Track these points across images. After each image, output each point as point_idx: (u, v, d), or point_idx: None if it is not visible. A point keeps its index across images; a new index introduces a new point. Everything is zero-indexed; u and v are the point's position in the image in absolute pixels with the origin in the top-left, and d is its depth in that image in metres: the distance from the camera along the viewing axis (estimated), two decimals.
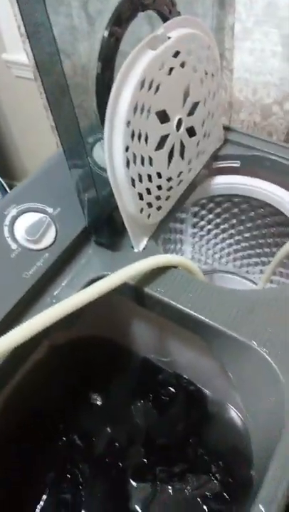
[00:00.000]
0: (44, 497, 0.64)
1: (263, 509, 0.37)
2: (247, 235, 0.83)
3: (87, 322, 0.75)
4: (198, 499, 0.64)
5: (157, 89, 0.47)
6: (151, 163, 0.51)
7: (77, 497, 0.63)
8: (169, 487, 0.65)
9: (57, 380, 0.74)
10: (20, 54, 1.20)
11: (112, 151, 0.46)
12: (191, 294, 0.51)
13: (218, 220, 0.82)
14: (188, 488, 0.64)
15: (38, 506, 0.64)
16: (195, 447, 0.67)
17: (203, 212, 0.80)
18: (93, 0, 0.45)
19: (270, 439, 0.44)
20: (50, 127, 1.25)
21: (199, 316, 0.50)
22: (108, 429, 0.71)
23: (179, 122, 0.54)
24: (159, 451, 0.67)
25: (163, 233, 0.71)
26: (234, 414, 0.70)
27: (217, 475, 0.64)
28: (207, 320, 0.49)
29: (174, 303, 0.51)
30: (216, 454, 0.67)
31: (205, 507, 0.64)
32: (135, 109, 0.45)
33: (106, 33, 0.44)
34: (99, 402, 0.75)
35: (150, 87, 0.46)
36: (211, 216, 0.81)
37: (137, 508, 0.64)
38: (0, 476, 0.63)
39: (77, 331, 0.79)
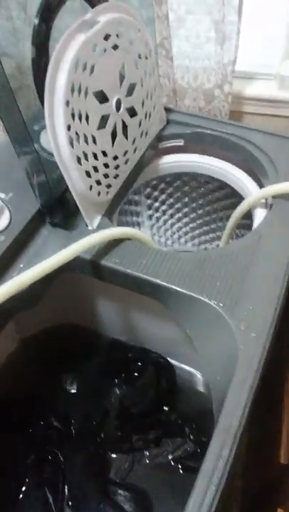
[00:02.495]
0: (27, 479, 0.66)
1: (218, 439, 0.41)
2: (200, 211, 0.87)
3: (54, 312, 0.77)
4: (175, 462, 0.67)
5: (92, 70, 0.50)
6: (95, 142, 0.54)
7: (59, 475, 0.65)
8: (147, 453, 0.68)
9: (31, 369, 0.76)
10: None
11: (55, 131, 0.48)
12: (144, 261, 0.55)
13: (171, 200, 0.86)
14: (165, 452, 0.67)
15: (22, 488, 0.65)
16: (168, 414, 0.70)
17: (156, 193, 0.83)
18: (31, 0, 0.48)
19: (226, 388, 0.48)
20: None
21: (154, 280, 0.53)
22: (84, 409, 0.73)
23: (118, 103, 0.57)
24: (134, 421, 0.70)
25: (119, 215, 0.74)
26: (199, 377, 0.74)
27: (191, 436, 0.68)
28: (161, 282, 0.53)
29: (129, 271, 0.54)
30: (187, 417, 0.70)
31: (182, 468, 0.67)
32: (72, 89, 0.48)
33: (36, 20, 0.46)
34: (73, 386, 0.77)
35: (85, 68, 0.49)
36: (163, 197, 0.85)
37: (117, 477, 0.67)
38: None
39: (46, 321, 0.81)
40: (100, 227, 0.59)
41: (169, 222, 0.91)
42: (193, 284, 0.52)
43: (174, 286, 0.52)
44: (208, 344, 0.52)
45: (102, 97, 0.54)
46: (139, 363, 0.75)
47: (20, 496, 0.64)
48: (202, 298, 0.51)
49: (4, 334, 0.59)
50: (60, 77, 0.46)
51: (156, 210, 0.87)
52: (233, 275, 0.53)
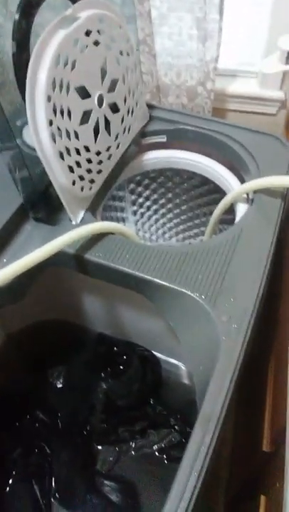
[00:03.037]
0: (14, 472, 0.67)
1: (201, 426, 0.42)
2: (184, 207, 0.88)
3: (40, 307, 0.78)
4: (161, 452, 0.68)
5: (74, 65, 0.51)
6: (77, 137, 0.54)
7: (46, 468, 0.66)
8: (132, 445, 0.68)
9: (17, 364, 0.76)
10: None
11: (37, 126, 0.49)
12: (128, 254, 0.56)
13: (155, 196, 0.87)
14: (151, 442, 0.68)
15: (9, 481, 0.66)
16: (153, 405, 0.72)
17: (140, 188, 0.84)
18: None
19: (208, 377, 0.49)
20: None
21: (138, 274, 0.54)
22: (70, 403, 0.74)
23: (101, 98, 0.58)
24: (120, 413, 0.71)
25: (103, 211, 0.75)
26: (184, 369, 0.75)
27: (176, 426, 0.69)
28: (145, 276, 0.54)
29: (113, 265, 0.55)
30: (172, 408, 0.71)
31: (167, 458, 0.68)
32: (54, 84, 0.48)
33: (17, 16, 0.47)
34: (59, 380, 0.77)
35: (66, 64, 0.49)
36: (147, 192, 0.85)
37: (103, 469, 0.67)
38: None
39: (32, 316, 0.81)
40: (83, 222, 0.60)
41: (154, 217, 0.91)
42: (176, 278, 0.53)
43: (157, 280, 0.53)
44: (190, 336, 0.53)
45: (84, 93, 0.55)
46: (125, 357, 0.76)
47: (7, 488, 0.65)
48: (185, 291, 0.52)
49: None
50: (41, 73, 0.47)
51: (141, 205, 0.88)
52: (215, 268, 0.54)
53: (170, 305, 0.55)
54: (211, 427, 0.42)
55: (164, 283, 0.53)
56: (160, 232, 0.95)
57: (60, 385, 0.75)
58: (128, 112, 0.66)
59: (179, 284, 0.53)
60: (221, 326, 0.49)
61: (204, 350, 0.51)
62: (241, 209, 0.67)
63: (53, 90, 0.48)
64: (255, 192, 0.65)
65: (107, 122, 0.61)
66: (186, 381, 0.75)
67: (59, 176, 0.54)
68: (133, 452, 0.68)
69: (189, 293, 0.52)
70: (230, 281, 0.53)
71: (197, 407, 0.60)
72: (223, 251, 0.56)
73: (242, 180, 0.71)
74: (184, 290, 0.52)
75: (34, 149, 0.55)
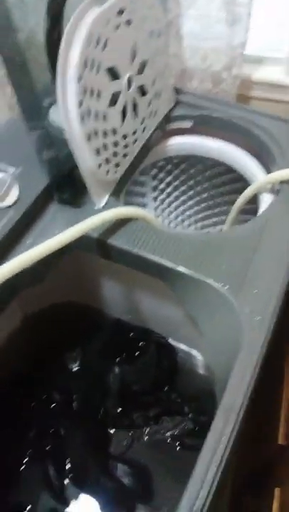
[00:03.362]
0: (28, 452, 0.67)
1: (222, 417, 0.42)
2: (205, 195, 0.87)
3: (58, 289, 0.78)
4: (174, 439, 0.68)
5: (105, 45, 0.49)
6: (105, 119, 0.53)
7: (60, 449, 0.67)
8: (146, 430, 0.69)
9: (33, 346, 0.77)
10: None
11: (67, 106, 0.48)
12: (151, 241, 0.55)
13: (176, 182, 0.85)
14: (164, 429, 0.69)
15: (24, 461, 0.67)
16: (168, 392, 0.72)
17: (162, 174, 0.83)
18: None
19: (230, 367, 0.49)
20: (7, 105, 1.24)
21: (160, 261, 0.53)
22: (85, 386, 0.74)
23: (130, 80, 0.56)
24: (135, 398, 0.71)
25: (125, 196, 0.74)
26: (201, 359, 0.75)
27: (190, 415, 0.69)
28: (167, 263, 0.53)
29: (136, 251, 0.54)
30: (187, 397, 0.71)
31: (180, 445, 0.68)
32: (85, 64, 0.47)
33: None
34: (75, 363, 0.78)
35: (98, 43, 0.48)
36: (169, 178, 0.84)
37: (116, 453, 0.68)
38: None
39: (50, 298, 0.81)
40: (107, 206, 0.59)
41: (174, 204, 0.90)
42: (199, 266, 0.53)
43: (179, 268, 0.53)
44: (212, 326, 0.53)
45: (114, 74, 0.54)
46: (141, 343, 0.76)
47: (22, 467, 0.66)
48: (207, 280, 0.52)
49: (7, 310, 0.59)
50: (73, 51, 0.46)
51: (162, 191, 0.87)
52: (239, 259, 0.53)
53: (191, 294, 0.54)
54: (232, 418, 0.42)
55: (186, 271, 0.53)
56: (179, 219, 0.94)
57: (75, 368, 0.75)
58: (156, 95, 0.65)
59: (202, 273, 0.52)
60: (243, 317, 0.49)
61: (226, 341, 0.50)
62: (266, 199, 0.66)
63: (84, 70, 0.47)
64: (281, 182, 0.63)
65: (134, 105, 0.60)
66: (201, 371, 0.75)
67: (85, 159, 0.53)
68: (146, 438, 0.69)
69: (212, 283, 0.51)
70: (254, 273, 0.52)
71: (213, 397, 0.60)
72: (248, 241, 0.55)
73: (267, 170, 0.70)
74: (207, 280, 0.52)
75: (60, 130, 0.54)
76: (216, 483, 0.39)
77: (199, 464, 0.40)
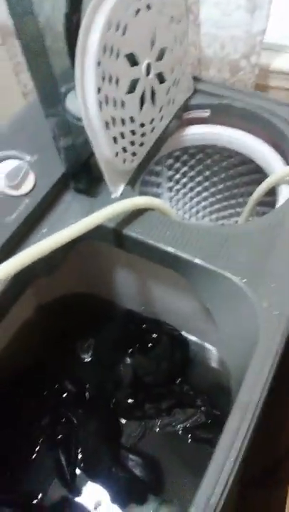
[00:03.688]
0: (40, 440, 0.68)
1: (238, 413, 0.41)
2: (221, 186, 0.85)
3: (72, 280, 0.77)
4: (186, 431, 0.68)
5: (125, 30, 0.48)
6: (123, 107, 0.52)
7: (72, 437, 0.67)
8: (158, 422, 0.69)
9: (46, 335, 0.77)
10: None
11: (85, 92, 0.47)
12: (168, 232, 0.54)
13: (192, 173, 0.84)
14: (176, 421, 0.68)
15: (36, 449, 0.67)
16: (180, 384, 0.71)
17: (178, 164, 0.82)
18: None
19: (246, 363, 0.48)
20: (22, 93, 1.23)
21: (177, 252, 0.52)
22: (98, 376, 0.74)
23: (148, 67, 0.55)
24: (147, 390, 0.71)
25: (140, 186, 0.73)
26: (214, 353, 0.74)
27: (202, 408, 0.69)
28: (184, 255, 0.52)
29: (152, 241, 0.53)
30: (200, 389, 0.71)
31: (192, 438, 0.68)
32: (104, 50, 0.46)
33: None
34: (88, 353, 0.78)
35: (118, 28, 0.47)
36: (185, 169, 0.83)
37: (128, 444, 0.68)
38: None
39: (63, 289, 0.81)
40: (123, 196, 0.58)
41: (188, 195, 0.89)
42: (216, 259, 0.52)
43: (196, 260, 0.52)
44: (228, 319, 0.52)
45: (132, 61, 0.52)
46: (154, 335, 0.76)
47: (34, 455, 0.66)
48: (225, 273, 0.51)
49: (21, 300, 0.59)
50: (92, 37, 0.45)
51: (177, 182, 0.86)
52: (257, 252, 0.52)
53: (208, 287, 0.53)
54: (248, 414, 0.41)
55: (204, 264, 0.52)
56: (194, 210, 0.93)
57: (88, 358, 0.75)
58: (174, 82, 0.63)
59: (219, 266, 0.51)
60: (261, 311, 0.48)
61: (242, 335, 0.49)
62: (285, 191, 0.65)
63: (103, 56, 0.46)
64: None
65: (152, 93, 0.58)
66: (214, 364, 0.74)
67: (103, 147, 0.52)
68: (158, 429, 0.69)
69: (230, 276, 0.50)
70: (273, 267, 0.51)
71: (226, 391, 0.59)
72: (267, 234, 0.54)
73: (287, 161, 0.68)
74: (224, 272, 0.51)
75: (76, 118, 0.53)
76: (231, 479, 0.38)
77: (215, 460, 0.39)
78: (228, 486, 0.38)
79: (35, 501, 0.63)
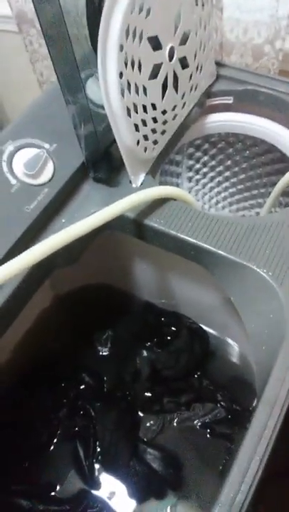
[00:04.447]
0: (58, 431, 0.67)
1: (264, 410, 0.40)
2: (242, 176, 0.83)
3: (90, 271, 0.77)
4: (205, 426, 0.67)
5: (148, 13, 0.46)
6: (145, 93, 0.51)
7: (90, 430, 0.66)
8: (176, 417, 0.68)
9: (65, 326, 0.76)
10: (1, 6, 1.15)
11: (107, 78, 0.45)
12: (190, 223, 0.52)
13: (213, 163, 0.82)
14: (195, 416, 0.67)
15: (54, 440, 0.67)
16: (200, 379, 0.70)
17: (199, 153, 0.80)
18: None
19: (271, 358, 0.46)
20: (37, 82, 1.22)
21: (200, 243, 0.51)
22: (115, 369, 0.73)
23: (172, 51, 0.53)
24: (166, 383, 0.70)
25: (160, 176, 0.72)
26: (234, 347, 0.73)
27: (222, 402, 0.67)
28: (208, 246, 0.51)
29: (174, 232, 0.52)
30: (220, 384, 0.70)
31: (211, 433, 0.67)
32: (127, 33, 0.44)
33: None
34: (105, 345, 0.77)
35: (141, 11, 0.45)
36: (206, 158, 0.81)
37: (146, 437, 0.67)
38: (15, 414, 0.66)
39: (81, 279, 0.80)
40: (143, 185, 0.57)
41: (209, 185, 0.87)
42: (241, 251, 0.50)
43: (220, 252, 0.50)
44: (254, 313, 0.50)
45: (155, 44, 0.50)
46: (173, 328, 0.74)
47: (52, 447, 0.66)
48: (250, 265, 0.49)
49: (39, 290, 0.58)
50: (115, 18, 0.43)
51: (197, 171, 0.84)
52: (284, 244, 0.50)
53: (233, 279, 0.52)
54: (275, 411, 0.40)
55: (228, 255, 0.50)
56: (213, 201, 0.91)
57: (106, 350, 0.75)
58: (197, 68, 0.61)
59: (244, 258, 0.49)
60: (288, 305, 0.46)
61: (268, 329, 0.48)
62: None
63: (126, 39, 0.44)
64: None
65: (175, 79, 0.56)
66: (234, 359, 0.73)
67: (124, 134, 0.50)
68: (177, 424, 0.68)
69: (255, 268, 0.49)
70: None
71: (247, 386, 0.58)
72: None
73: None
74: (249, 264, 0.49)
75: (96, 105, 0.52)
76: (257, 478, 0.37)
77: (240, 457, 0.38)
78: (254, 484, 0.37)
79: (52, 493, 0.63)
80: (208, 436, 0.66)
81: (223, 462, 0.64)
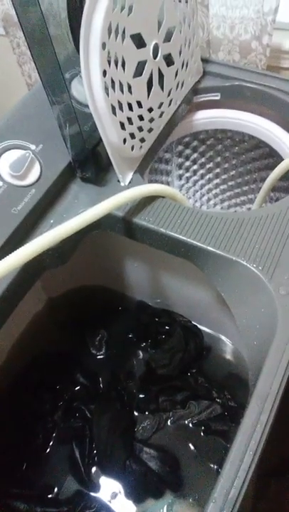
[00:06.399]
0: (54, 434, 0.67)
1: (256, 404, 0.39)
2: (232, 172, 0.83)
3: (82, 272, 0.76)
4: (201, 424, 0.67)
5: (130, 10, 0.46)
6: (130, 91, 0.50)
7: (86, 431, 0.66)
8: (172, 415, 0.68)
9: (58, 329, 0.76)
10: None
11: (90, 76, 0.45)
12: (180, 220, 0.52)
13: (202, 160, 0.82)
14: (191, 413, 0.67)
15: (50, 443, 0.66)
16: (195, 377, 0.70)
17: (188, 151, 0.80)
18: None
19: (263, 353, 0.46)
20: (25, 84, 1.22)
21: (189, 240, 0.51)
22: (110, 369, 0.73)
23: (156, 49, 0.53)
24: (161, 382, 0.69)
25: (149, 174, 0.71)
26: (228, 344, 0.73)
27: (218, 399, 0.67)
28: (197, 243, 0.50)
29: (163, 230, 0.52)
30: (215, 381, 0.69)
31: (207, 430, 0.67)
32: (109, 30, 0.44)
33: None
34: (100, 346, 0.77)
35: (123, 8, 0.45)
36: (195, 155, 0.81)
37: (142, 437, 0.67)
38: (11, 417, 0.66)
39: (73, 282, 0.80)
40: (132, 184, 0.57)
41: (199, 183, 0.87)
42: (230, 246, 0.50)
43: (210, 248, 0.50)
44: (245, 308, 0.50)
45: (139, 42, 0.50)
46: (167, 327, 0.74)
47: (48, 449, 0.65)
48: (240, 260, 0.49)
49: (32, 293, 0.58)
50: (97, 16, 0.43)
51: (187, 169, 0.84)
52: (273, 238, 0.50)
53: (223, 275, 0.52)
54: (267, 405, 0.40)
55: (217, 251, 0.50)
56: (204, 198, 0.91)
57: (100, 351, 0.74)
58: (182, 65, 0.61)
59: (233, 253, 0.49)
60: (278, 299, 0.46)
61: (260, 324, 0.48)
62: None
63: (109, 37, 0.44)
64: None
65: (160, 76, 0.56)
66: (229, 356, 0.73)
67: (110, 133, 0.50)
68: (173, 422, 0.68)
69: (245, 263, 0.49)
70: None
71: (242, 383, 0.57)
72: (282, 220, 0.52)
73: None
74: (239, 260, 0.49)
75: (82, 104, 0.51)
76: (251, 472, 0.37)
77: (233, 452, 0.38)
78: (247, 478, 0.36)
79: (50, 496, 0.63)
80: (204, 433, 0.66)
81: (220, 459, 0.64)
